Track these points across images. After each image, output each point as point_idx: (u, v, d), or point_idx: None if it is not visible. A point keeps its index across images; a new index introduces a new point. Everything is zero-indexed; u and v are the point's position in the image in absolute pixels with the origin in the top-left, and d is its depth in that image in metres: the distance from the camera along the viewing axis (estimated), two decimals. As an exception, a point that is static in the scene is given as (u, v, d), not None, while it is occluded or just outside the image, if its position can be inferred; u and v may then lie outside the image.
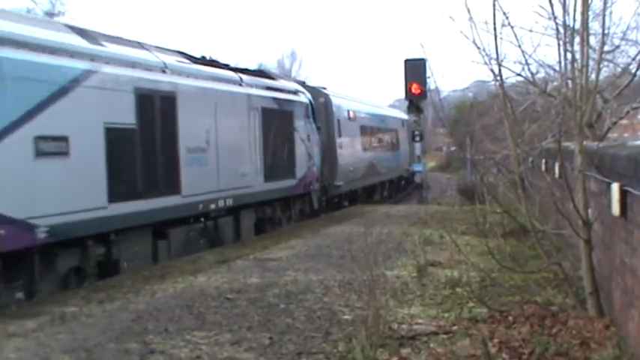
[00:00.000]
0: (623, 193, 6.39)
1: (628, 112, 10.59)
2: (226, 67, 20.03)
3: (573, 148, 8.30)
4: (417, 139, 33.00)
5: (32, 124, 11.40)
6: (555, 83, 9.76)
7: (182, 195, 15.81)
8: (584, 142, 8.13)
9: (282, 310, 9.51)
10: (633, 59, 10.23)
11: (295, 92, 23.92)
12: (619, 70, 10.66)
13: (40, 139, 11.56)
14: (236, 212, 18.87)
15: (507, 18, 8.36)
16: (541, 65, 9.97)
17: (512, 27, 8.46)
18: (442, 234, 14.83)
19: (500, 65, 8.48)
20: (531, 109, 11.20)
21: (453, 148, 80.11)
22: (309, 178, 24.39)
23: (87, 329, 8.86)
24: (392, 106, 57.66)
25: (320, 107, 27.37)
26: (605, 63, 9.91)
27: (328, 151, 27.88)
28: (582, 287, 8.22)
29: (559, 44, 8.45)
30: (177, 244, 15.94)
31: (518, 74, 9.15)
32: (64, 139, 12.16)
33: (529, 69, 9.13)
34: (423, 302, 9.69)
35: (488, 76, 8.94)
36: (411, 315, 8.89)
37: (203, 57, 19.33)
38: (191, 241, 16.61)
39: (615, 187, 6.53)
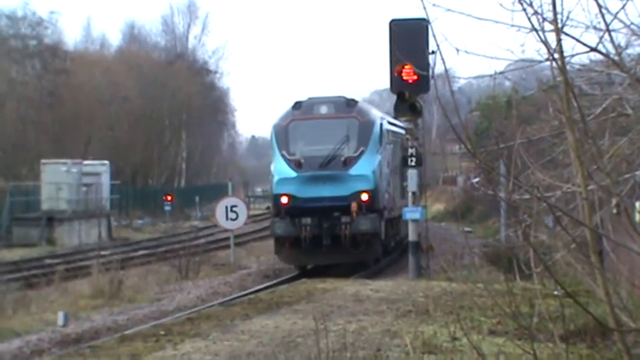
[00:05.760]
0: None
1: None
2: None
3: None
4: (412, 161, 22.98)
5: (392, 159, 30.25)
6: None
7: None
8: None
9: None
10: None
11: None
12: None
13: (391, 164, 30.09)
14: None
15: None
16: (635, 34, 6.94)
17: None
18: (455, 333, 10.72)
19: (560, 32, 6.06)
20: (616, 113, 8.14)
21: (475, 180, 61.47)
22: None
23: None
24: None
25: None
26: None
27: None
28: None
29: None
30: None
31: (593, 49, 6.55)
32: (397, 166, 29.80)
33: (612, 39, 6.56)
34: None
35: (538, 52, 6.68)
36: None
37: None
38: None
39: None
